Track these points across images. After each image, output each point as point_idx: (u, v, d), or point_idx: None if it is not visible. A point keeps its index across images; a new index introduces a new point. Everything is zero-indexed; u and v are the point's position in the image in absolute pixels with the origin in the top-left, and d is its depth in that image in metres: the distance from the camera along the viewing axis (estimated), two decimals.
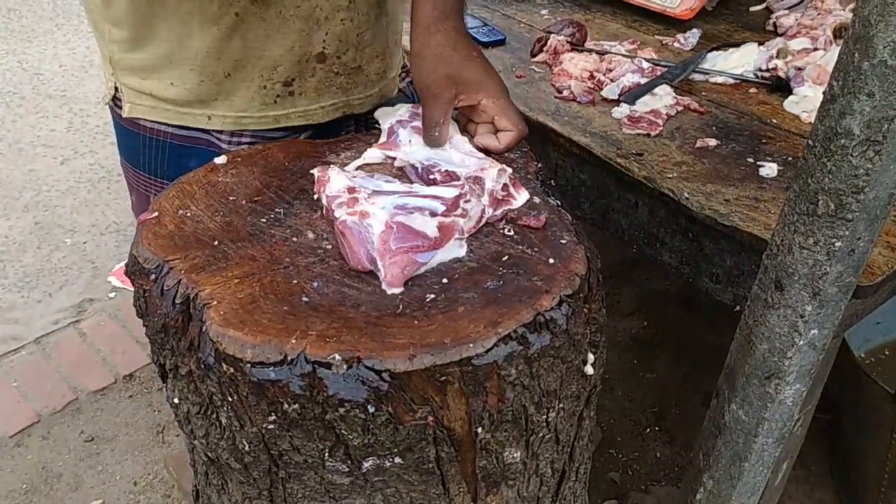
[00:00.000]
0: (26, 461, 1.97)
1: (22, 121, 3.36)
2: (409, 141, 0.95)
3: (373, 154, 0.95)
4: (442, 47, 0.93)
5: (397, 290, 0.75)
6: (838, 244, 0.80)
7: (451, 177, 0.89)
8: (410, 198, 0.83)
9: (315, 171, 0.88)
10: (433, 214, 0.81)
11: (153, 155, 1.08)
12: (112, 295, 2.48)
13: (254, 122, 1.05)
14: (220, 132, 1.05)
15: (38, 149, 3.18)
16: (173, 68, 1.00)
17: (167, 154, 1.07)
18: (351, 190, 0.82)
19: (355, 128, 1.15)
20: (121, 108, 1.07)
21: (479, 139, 0.97)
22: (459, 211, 0.81)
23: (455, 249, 0.79)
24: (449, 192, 0.84)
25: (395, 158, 0.94)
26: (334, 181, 0.84)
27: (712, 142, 1.20)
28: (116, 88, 1.06)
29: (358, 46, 1.05)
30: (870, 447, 1.70)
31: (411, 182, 0.91)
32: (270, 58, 1.00)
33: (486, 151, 0.96)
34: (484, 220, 0.82)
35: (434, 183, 0.89)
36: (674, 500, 1.84)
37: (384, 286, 0.75)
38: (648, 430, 2.05)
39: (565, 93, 1.34)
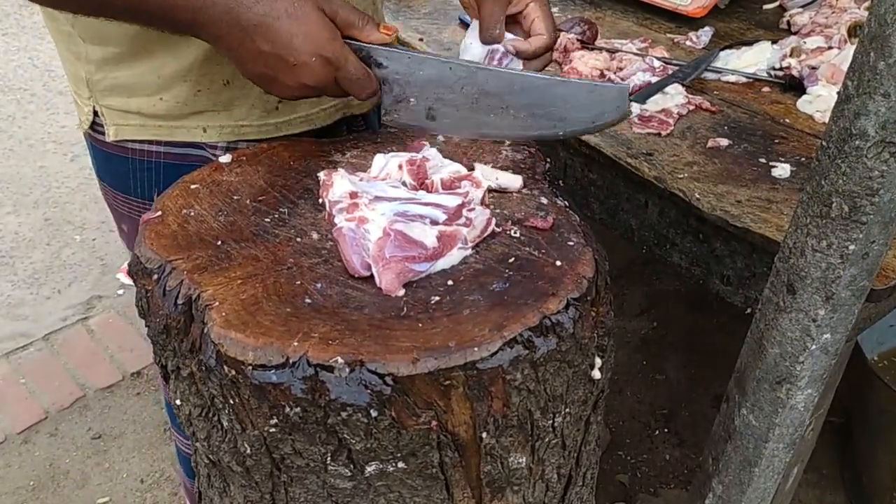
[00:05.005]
0: (34, 458, 1.97)
1: (32, 117, 3.37)
2: (470, 43, 1.02)
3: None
4: None
5: (400, 293, 0.74)
6: (852, 247, 0.79)
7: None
8: (412, 205, 0.81)
9: (321, 175, 0.87)
10: (434, 223, 0.79)
11: (145, 178, 1.03)
12: (121, 292, 2.48)
13: (253, 130, 1.02)
14: (215, 146, 1.01)
15: (48, 145, 3.19)
16: (165, 81, 0.96)
17: (161, 175, 1.02)
18: (353, 195, 0.81)
19: (348, 129, 1.12)
20: (103, 133, 1.02)
21: (513, 42, 1.00)
22: (462, 220, 0.79)
23: (458, 258, 0.78)
24: (451, 201, 0.82)
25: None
26: (338, 185, 0.83)
27: (724, 142, 1.19)
28: (96, 113, 1.02)
29: None
30: (882, 451, 1.68)
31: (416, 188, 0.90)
32: None
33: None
34: (490, 230, 0.81)
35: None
36: None
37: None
38: (658, 432, 2.04)
39: None
